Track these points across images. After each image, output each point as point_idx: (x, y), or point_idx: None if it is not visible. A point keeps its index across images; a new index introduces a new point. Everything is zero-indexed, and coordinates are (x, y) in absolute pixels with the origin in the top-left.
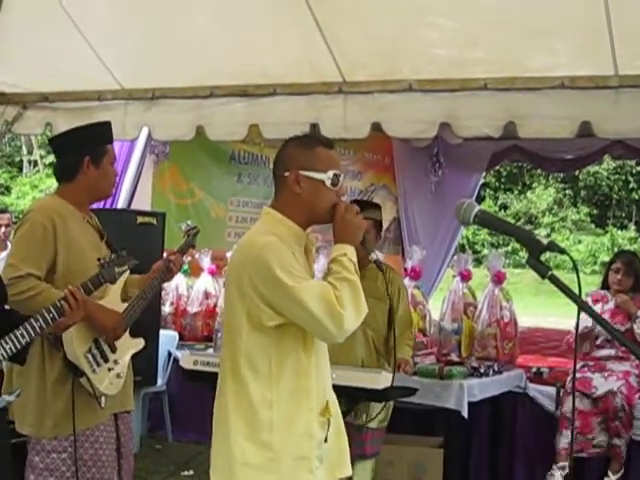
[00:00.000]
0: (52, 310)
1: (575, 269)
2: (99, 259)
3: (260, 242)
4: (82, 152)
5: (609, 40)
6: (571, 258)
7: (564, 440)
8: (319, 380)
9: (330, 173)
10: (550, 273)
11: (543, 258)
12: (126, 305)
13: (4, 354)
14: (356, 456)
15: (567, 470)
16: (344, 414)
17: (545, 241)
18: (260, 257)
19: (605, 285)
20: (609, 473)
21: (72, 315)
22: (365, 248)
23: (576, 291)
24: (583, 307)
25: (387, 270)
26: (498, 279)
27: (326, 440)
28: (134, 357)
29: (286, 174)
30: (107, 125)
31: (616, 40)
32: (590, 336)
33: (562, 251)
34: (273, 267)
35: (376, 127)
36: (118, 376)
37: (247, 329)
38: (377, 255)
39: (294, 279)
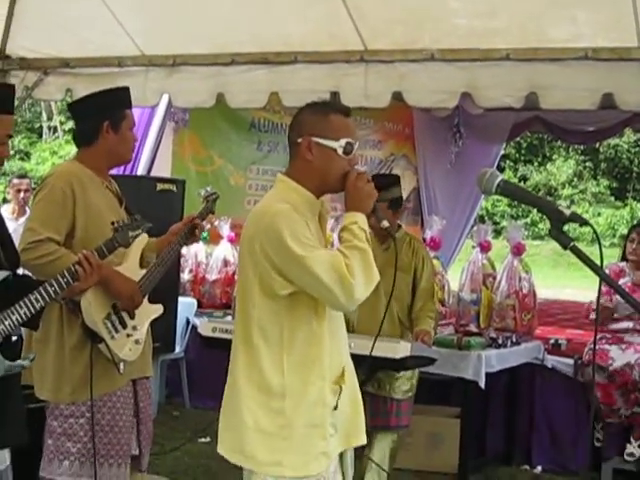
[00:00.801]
0: (66, 275)
1: (597, 240)
2: (113, 223)
3: (273, 210)
4: (101, 117)
5: (633, 11)
6: (593, 229)
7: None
8: (333, 348)
9: (343, 141)
10: (572, 244)
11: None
12: (144, 271)
13: (18, 319)
14: (380, 427)
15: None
16: (362, 383)
17: (568, 212)
18: (272, 225)
19: (625, 257)
20: (631, 440)
21: (86, 279)
22: (376, 217)
23: (597, 262)
24: (604, 278)
25: (412, 240)
26: (517, 250)
27: (336, 407)
28: (153, 323)
29: (299, 140)
30: (126, 90)
31: None
32: (605, 311)
33: (584, 222)
34: (284, 236)
35: (397, 96)
36: (137, 342)
37: (259, 297)
38: (401, 226)
39: (305, 248)
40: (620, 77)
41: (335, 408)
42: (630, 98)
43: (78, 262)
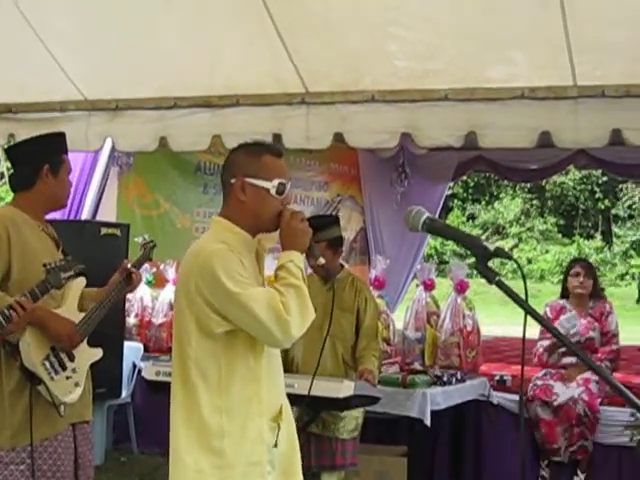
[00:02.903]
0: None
1: (521, 274)
2: (44, 265)
3: (207, 250)
4: (41, 161)
5: (567, 51)
6: (517, 263)
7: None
8: (270, 385)
9: (275, 182)
10: (497, 279)
11: (511, 268)
12: (83, 314)
13: None
14: (326, 467)
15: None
16: (307, 424)
17: (492, 247)
18: (206, 264)
19: (564, 294)
20: (578, 472)
21: (18, 324)
22: (312, 255)
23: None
24: (530, 312)
25: (354, 280)
26: (461, 288)
27: (276, 445)
28: (98, 368)
29: (232, 181)
30: (63, 136)
31: (574, 51)
32: (553, 347)
33: (509, 257)
34: (219, 274)
35: (338, 138)
36: (77, 385)
37: (196, 336)
38: (344, 264)
39: (240, 285)
40: (556, 116)
41: (275, 446)
42: (566, 136)
43: (12, 306)
